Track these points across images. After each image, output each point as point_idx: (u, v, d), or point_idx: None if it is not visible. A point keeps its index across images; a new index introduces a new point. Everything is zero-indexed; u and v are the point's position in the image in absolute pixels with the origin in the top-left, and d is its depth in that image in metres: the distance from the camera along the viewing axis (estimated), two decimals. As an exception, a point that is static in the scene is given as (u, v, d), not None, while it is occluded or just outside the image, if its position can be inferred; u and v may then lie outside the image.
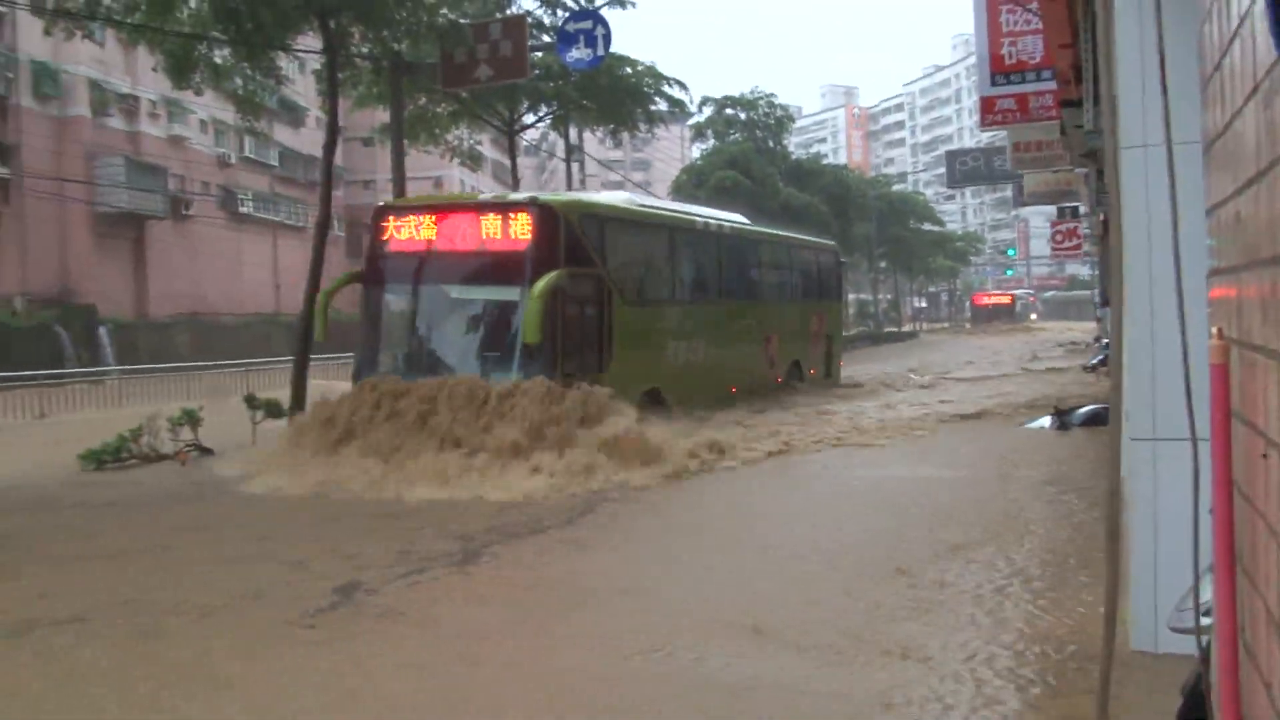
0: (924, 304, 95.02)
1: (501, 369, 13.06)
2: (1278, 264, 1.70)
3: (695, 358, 17.17)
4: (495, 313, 13.90)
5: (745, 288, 20.29)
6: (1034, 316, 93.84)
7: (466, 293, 14.15)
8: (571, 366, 13.37)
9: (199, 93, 18.40)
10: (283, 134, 51.75)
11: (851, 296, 68.17)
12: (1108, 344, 21.47)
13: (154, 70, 18.78)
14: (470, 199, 20.62)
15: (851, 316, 66.49)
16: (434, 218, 14.31)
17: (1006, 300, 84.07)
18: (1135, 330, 5.09)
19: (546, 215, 13.71)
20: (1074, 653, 5.44)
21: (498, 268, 13.71)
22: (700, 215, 19.73)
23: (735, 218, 21.79)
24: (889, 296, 75.46)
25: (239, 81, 18.37)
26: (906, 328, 69.86)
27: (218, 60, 17.29)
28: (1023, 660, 5.43)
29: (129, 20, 16.16)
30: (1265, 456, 1.84)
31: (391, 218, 14.64)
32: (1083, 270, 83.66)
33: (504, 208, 14.06)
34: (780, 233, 24.49)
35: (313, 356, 18.05)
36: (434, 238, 14.13)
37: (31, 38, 35.33)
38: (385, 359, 14.40)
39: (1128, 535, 5.20)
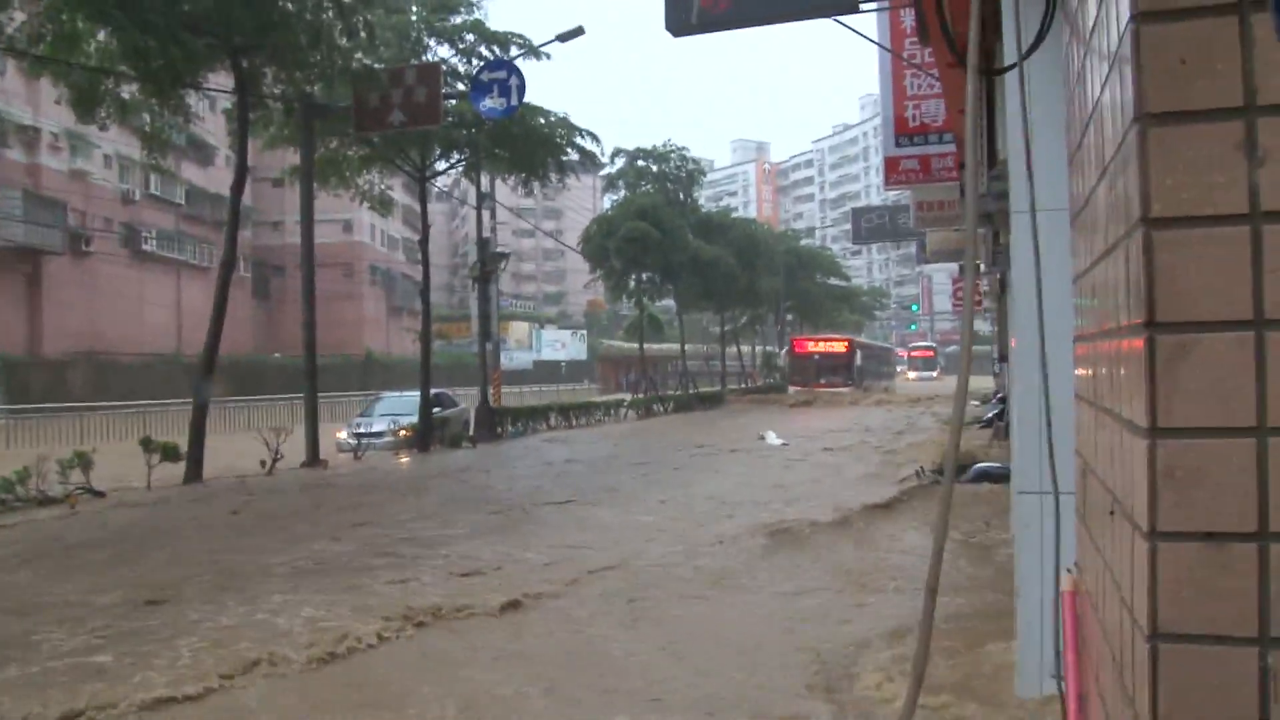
0: None
1: None
2: (1118, 335, 1.83)
3: None
4: None
5: None
6: (909, 375, 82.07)
7: None
8: None
9: (104, 128, 18.08)
10: (190, 172, 50.91)
11: (758, 348, 69.08)
12: (1003, 397, 21.94)
13: (57, 103, 18.42)
14: None
15: (758, 367, 67.20)
16: None
17: (841, 347, 54.81)
18: (1022, 387, 5.30)
19: None
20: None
21: None
22: None
23: None
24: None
25: (146, 118, 18.12)
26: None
27: (125, 96, 17.05)
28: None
29: (33, 51, 15.85)
30: (1111, 513, 1.96)
31: None
32: (984, 326, 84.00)
33: None
34: None
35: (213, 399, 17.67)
36: None
37: (-72, 65, 34.42)
38: None
39: (1019, 586, 5.34)
